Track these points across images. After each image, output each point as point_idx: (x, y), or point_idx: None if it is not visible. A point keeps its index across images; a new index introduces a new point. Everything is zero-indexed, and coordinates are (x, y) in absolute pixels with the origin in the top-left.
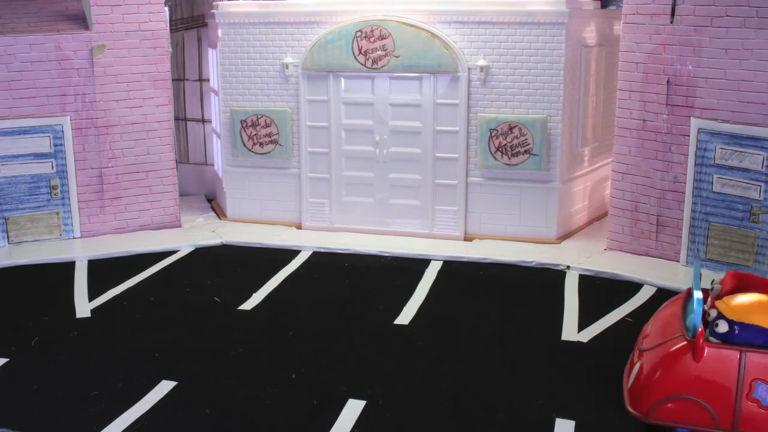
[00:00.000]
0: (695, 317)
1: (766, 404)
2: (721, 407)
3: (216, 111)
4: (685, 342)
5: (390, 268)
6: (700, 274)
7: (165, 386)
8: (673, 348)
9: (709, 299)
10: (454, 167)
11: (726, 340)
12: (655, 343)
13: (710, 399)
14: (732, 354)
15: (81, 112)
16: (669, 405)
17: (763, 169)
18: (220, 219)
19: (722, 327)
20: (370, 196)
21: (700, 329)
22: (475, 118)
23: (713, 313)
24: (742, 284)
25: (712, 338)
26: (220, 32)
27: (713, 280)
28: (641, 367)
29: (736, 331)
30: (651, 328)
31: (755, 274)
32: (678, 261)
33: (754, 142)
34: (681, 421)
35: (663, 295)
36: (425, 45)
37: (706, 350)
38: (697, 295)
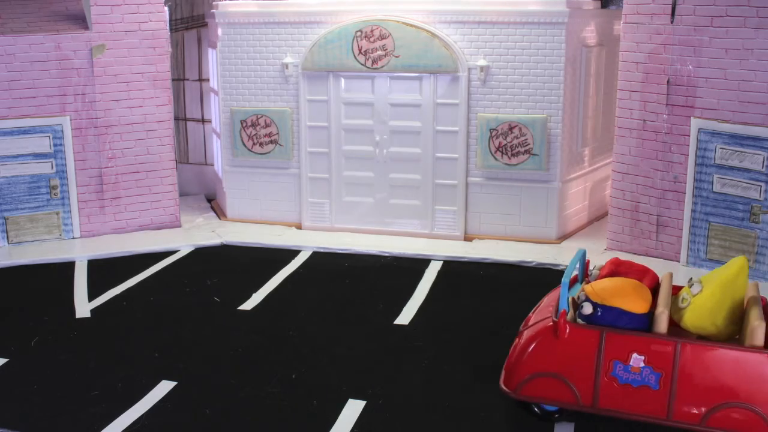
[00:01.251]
0: (561, 300)
1: (623, 382)
2: (582, 385)
3: (216, 111)
4: (551, 323)
5: (390, 268)
6: (580, 262)
7: (165, 386)
8: (539, 328)
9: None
10: (454, 167)
11: (590, 321)
12: (530, 326)
13: (572, 377)
14: (592, 334)
15: (81, 112)
16: (535, 382)
17: (764, 169)
18: (220, 219)
19: (587, 309)
20: (370, 196)
21: (562, 311)
22: (475, 118)
23: (582, 296)
24: (620, 270)
25: (579, 320)
26: (219, 32)
27: (594, 266)
28: (513, 347)
29: (599, 313)
30: (534, 313)
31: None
32: (678, 261)
33: (755, 142)
34: (546, 398)
35: None
36: (425, 45)
37: (568, 330)
38: (564, 279)
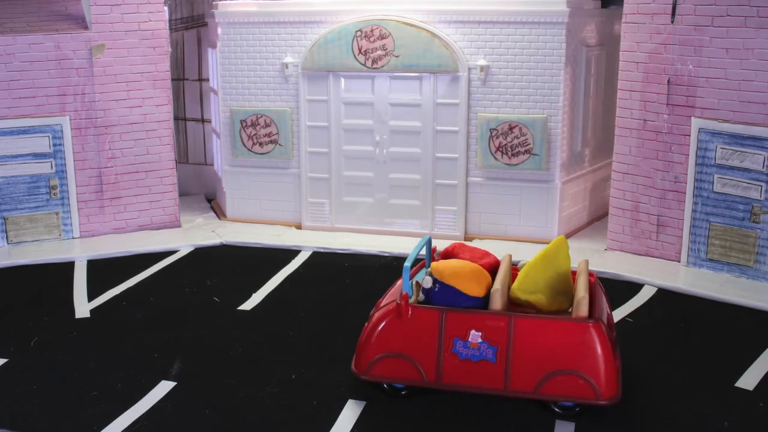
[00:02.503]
0: (404, 284)
1: (463, 358)
2: (426, 363)
3: (216, 111)
4: (395, 305)
5: (390, 268)
6: (426, 248)
7: (165, 386)
8: (384, 311)
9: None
10: (454, 167)
11: (429, 295)
12: (378, 309)
13: (417, 355)
14: (433, 314)
15: (80, 111)
16: (382, 363)
17: (764, 169)
18: (219, 219)
19: (426, 282)
20: (370, 196)
21: (404, 293)
22: (475, 118)
23: (427, 272)
24: (460, 254)
25: (423, 295)
26: (219, 32)
27: (438, 253)
28: (362, 331)
29: (436, 289)
30: (384, 298)
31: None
32: (679, 261)
33: (755, 142)
34: (393, 377)
35: (664, 295)
36: (425, 45)
37: (410, 312)
38: (406, 264)
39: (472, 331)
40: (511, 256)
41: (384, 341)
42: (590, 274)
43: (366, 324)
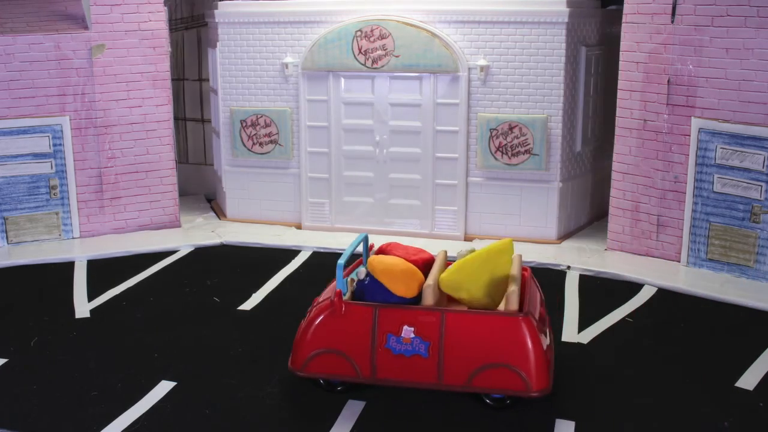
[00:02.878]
0: (337, 282)
1: (397, 353)
2: (360, 358)
3: (216, 111)
4: (329, 302)
5: None
6: (363, 245)
7: (165, 386)
8: (318, 308)
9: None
10: (454, 167)
11: (361, 289)
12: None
13: (351, 351)
14: (366, 310)
15: (80, 111)
16: (318, 359)
17: (764, 169)
18: (219, 219)
19: (361, 274)
20: (370, 196)
21: (338, 290)
22: (475, 118)
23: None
24: (394, 252)
25: (356, 287)
26: (219, 32)
27: (374, 250)
28: (299, 328)
29: (366, 282)
30: (321, 295)
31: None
32: (679, 261)
33: (755, 141)
34: (329, 373)
35: (664, 295)
36: (425, 45)
37: (344, 308)
38: (340, 262)
39: (405, 327)
40: (446, 252)
41: (319, 338)
42: (524, 268)
43: (302, 321)
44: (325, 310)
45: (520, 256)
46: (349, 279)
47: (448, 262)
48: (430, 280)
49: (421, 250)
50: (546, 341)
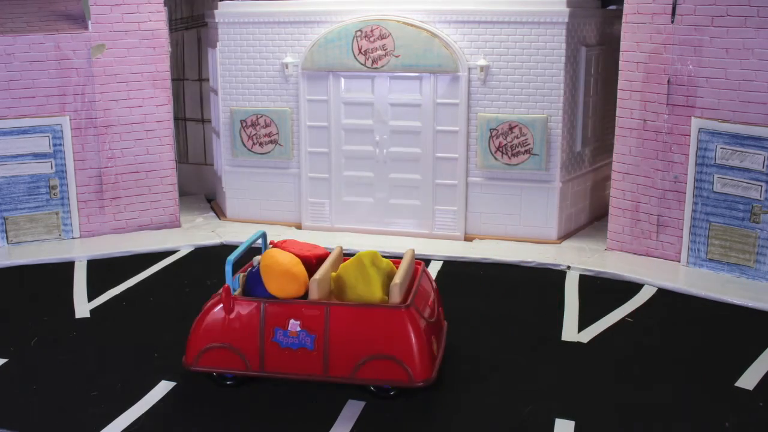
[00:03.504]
0: (227, 277)
1: (284, 346)
2: (249, 352)
3: (216, 111)
4: (219, 297)
5: None
6: (262, 241)
7: (164, 386)
8: (209, 303)
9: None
10: (454, 167)
11: (247, 281)
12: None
13: (241, 345)
14: (254, 305)
15: (80, 111)
16: (209, 354)
17: (764, 169)
18: (219, 219)
19: (255, 261)
20: (370, 196)
21: (226, 285)
22: (475, 118)
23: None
24: (290, 248)
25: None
26: (219, 32)
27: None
28: (192, 324)
29: (254, 270)
30: None
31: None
32: (679, 261)
33: (755, 141)
34: (220, 367)
35: (664, 295)
36: (425, 45)
37: (232, 304)
38: (230, 258)
39: (291, 320)
40: (341, 248)
41: (209, 333)
42: (417, 262)
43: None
44: (215, 306)
45: (413, 250)
46: (240, 274)
47: (344, 258)
48: (318, 274)
49: (316, 246)
50: (433, 332)
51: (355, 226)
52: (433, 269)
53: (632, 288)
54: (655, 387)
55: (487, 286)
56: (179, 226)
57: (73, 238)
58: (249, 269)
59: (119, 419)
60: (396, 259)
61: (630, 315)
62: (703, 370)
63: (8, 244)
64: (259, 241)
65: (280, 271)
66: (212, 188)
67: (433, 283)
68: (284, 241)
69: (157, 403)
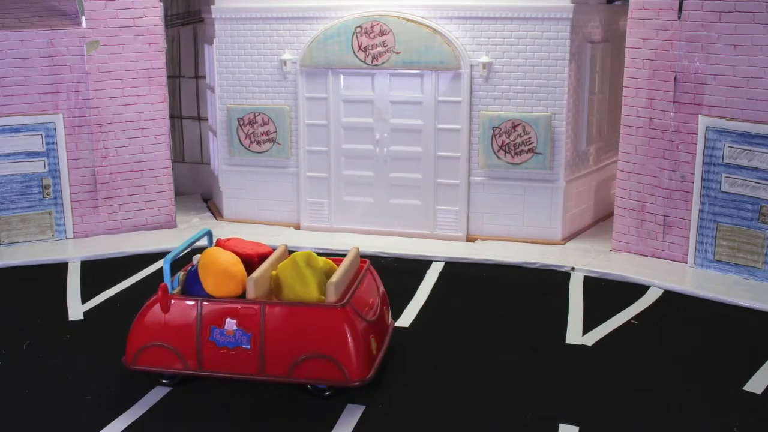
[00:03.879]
0: (165, 276)
1: (221, 345)
2: (187, 351)
3: (212, 109)
4: (157, 296)
5: (390, 270)
6: (208, 239)
7: (160, 390)
8: (147, 302)
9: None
10: (455, 166)
11: (187, 279)
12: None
13: (178, 344)
14: (191, 304)
15: (74, 109)
16: (147, 352)
17: None
18: (216, 219)
19: (195, 260)
20: (370, 196)
21: (162, 284)
22: (477, 116)
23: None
24: (233, 247)
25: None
26: (216, 28)
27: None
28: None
29: (192, 270)
30: None
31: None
32: (686, 262)
33: (764, 140)
34: (159, 366)
35: (670, 297)
36: (426, 41)
37: (169, 303)
38: (168, 257)
39: (228, 319)
40: (286, 246)
41: (147, 332)
42: (362, 260)
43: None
44: (152, 305)
45: (357, 248)
46: (181, 273)
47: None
48: (256, 273)
49: (261, 245)
50: (372, 332)
51: (354, 227)
52: (435, 270)
53: (638, 290)
54: (661, 391)
55: (489, 288)
56: (175, 226)
57: (67, 238)
58: (189, 268)
59: (113, 423)
60: (340, 257)
61: (636, 317)
62: (710, 373)
63: (0, 244)
64: (206, 239)
65: (218, 270)
66: (209, 188)
67: (379, 282)
68: (228, 240)
69: (152, 407)
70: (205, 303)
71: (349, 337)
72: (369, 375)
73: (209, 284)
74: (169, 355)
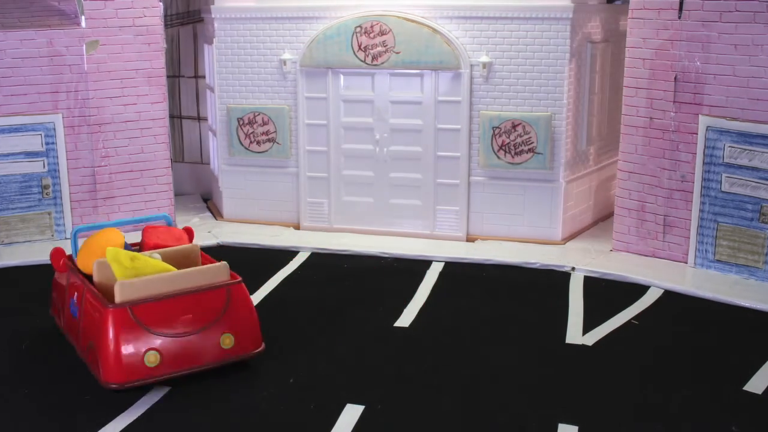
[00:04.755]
0: (72, 245)
1: (75, 317)
2: (61, 313)
3: (212, 108)
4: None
5: (390, 270)
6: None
7: (158, 391)
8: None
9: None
10: (455, 166)
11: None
12: None
13: (60, 306)
14: (64, 275)
15: (73, 109)
16: (54, 306)
17: None
18: (216, 219)
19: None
20: (369, 196)
21: (58, 248)
22: (477, 116)
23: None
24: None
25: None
26: (216, 28)
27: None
28: None
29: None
30: None
31: None
32: (686, 262)
33: (764, 140)
34: (55, 314)
35: (670, 297)
36: (426, 41)
37: (62, 261)
38: (76, 228)
39: (76, 293)
40: (198, 246)
41: (54, 289)
42: (233, 275)
43: None
44: (56, 271)
45: (225, 264)
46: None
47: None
48: (104, 257)
49: (181, 239)
50: (157, 346)
51: (354, 227)
52: (435, 270)
53: (638, 290)
54: (661, 391)
55: (489, 288)
56: (175, 226)
57: (66, 238)
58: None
59: (112, 423)
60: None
61: (636, 317)
62: (710, 373)
63: (0, 244)
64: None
65: (89, 246)
66: (208, 188)
67: (242, 306)
68: (156, 227)
69: (150, 407)
70: (69, 274)
71: (110, 338)
72: (120, 383)
73: (80, 257)
74: (57, 311)
